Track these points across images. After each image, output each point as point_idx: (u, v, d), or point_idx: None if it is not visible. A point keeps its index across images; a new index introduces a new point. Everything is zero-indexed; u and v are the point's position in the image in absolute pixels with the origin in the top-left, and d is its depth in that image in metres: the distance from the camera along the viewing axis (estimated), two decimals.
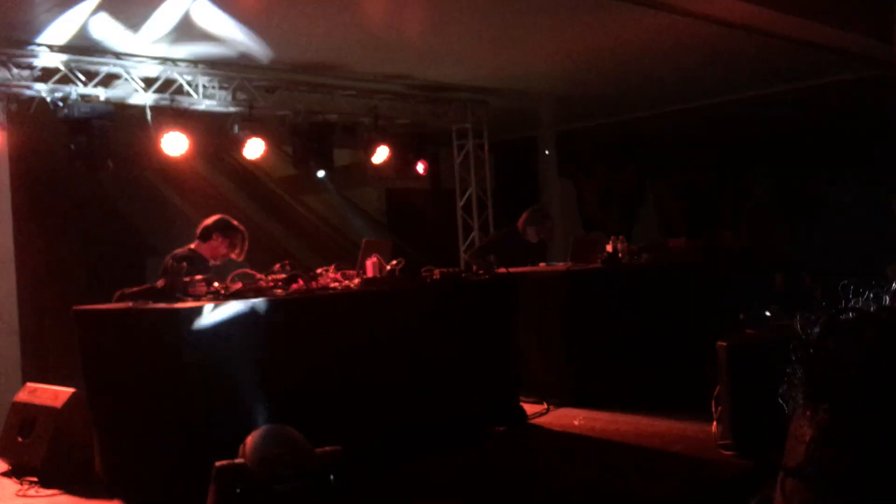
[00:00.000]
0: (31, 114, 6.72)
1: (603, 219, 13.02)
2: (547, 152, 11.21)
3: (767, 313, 8.33)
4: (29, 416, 5.05)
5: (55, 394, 5.07)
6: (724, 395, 4.54)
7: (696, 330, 7.09)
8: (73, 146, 6.49)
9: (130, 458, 4.47)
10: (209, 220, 5.76)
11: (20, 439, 5.02)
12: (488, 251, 7.00)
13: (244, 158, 9.06)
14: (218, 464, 3.32)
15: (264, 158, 8.33)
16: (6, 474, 5.04)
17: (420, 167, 8.74)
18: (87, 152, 6.50)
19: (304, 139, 8.00)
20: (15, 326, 6.79)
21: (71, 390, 5.01)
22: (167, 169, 9.52)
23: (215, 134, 8.06)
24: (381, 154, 8.50)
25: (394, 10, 6.55)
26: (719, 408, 4.64)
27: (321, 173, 8.24)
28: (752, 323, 7.76)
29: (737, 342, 4.54)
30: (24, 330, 6.93)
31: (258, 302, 4.54)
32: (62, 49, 6.55)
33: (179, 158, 7.30)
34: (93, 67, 6.72)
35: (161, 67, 7.04)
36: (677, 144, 14.04)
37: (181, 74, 7.14)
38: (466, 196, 9.88)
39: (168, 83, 7.10)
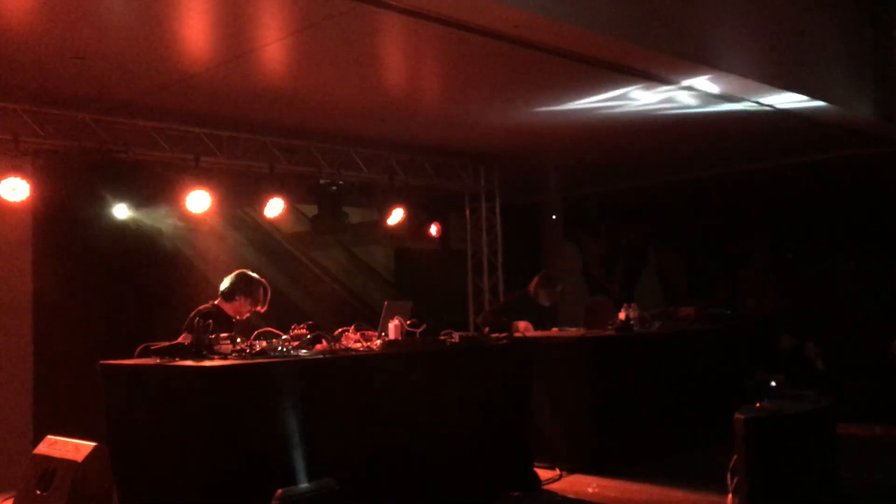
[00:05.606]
0: (52, 167, 6.83)
1: (606, 281, 13.14)
2: (554, 217, 11.39)
3: (773, 383, 8.41)
4: (49, 468, 5.06)
5: (76, 447, 5.09)
6: (741, 467, 4.59)
7: (706, 398, 7.20)
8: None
9: None
10: (230, 280, 5.71)
11: (38, 492, 5.03)
12: (501, 313, 7.09)
13: (257, 214, 9.20)
14: None
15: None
16: None
17: (433, 229, 8.88)
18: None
19: (321, 198, 8.14)
20: (30, 377, 6.82)
21: (93, 444, 5.04)
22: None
23: (235, 192, 8.19)
24: (396, 216, 8.65)
25: (411, 80, 6.81)
26: (735, 479, 4.68)
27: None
28: (759, 392, 7.83)
29: (755, 415, 4.61)
30: (38, 381, 6.95)
31: (283, 363, 4.61)
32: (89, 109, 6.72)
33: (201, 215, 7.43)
34: (120, 127, 6.87)
35: (186, 127, 7.21)
36: (681, 211, 14.26)
37: (206, 135, 7.30)
38: (476, 258, 10.03)
39: (193, 142, 7.26)
